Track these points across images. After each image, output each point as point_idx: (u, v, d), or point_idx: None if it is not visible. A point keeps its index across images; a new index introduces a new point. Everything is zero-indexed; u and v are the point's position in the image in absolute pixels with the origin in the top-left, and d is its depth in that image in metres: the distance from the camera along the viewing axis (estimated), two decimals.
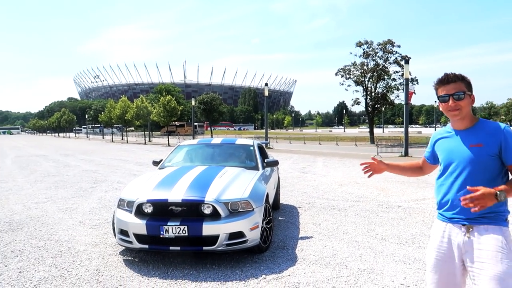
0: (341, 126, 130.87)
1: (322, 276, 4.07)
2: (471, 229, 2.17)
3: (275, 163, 6.39)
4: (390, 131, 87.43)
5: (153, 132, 70.71)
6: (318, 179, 11.75)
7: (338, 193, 9.23)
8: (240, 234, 4.35)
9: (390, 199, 8.48)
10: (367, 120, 49.58)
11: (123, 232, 4.49)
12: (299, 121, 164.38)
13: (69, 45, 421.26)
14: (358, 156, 20.76)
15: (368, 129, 43.92)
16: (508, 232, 2.15)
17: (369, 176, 2.82)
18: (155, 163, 6.47)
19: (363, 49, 34.78)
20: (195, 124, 62.89)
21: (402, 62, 30.94)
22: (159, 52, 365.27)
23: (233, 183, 4.81)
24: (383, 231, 5.85)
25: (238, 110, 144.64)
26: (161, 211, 4.43)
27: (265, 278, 4.03)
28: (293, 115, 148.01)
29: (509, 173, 2.21)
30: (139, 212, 4.46)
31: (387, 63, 34.36)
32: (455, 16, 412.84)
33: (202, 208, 4.37)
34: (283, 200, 8.35)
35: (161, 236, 4.24)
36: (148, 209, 4.45)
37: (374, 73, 34.37)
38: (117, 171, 14.52)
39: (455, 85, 2.21)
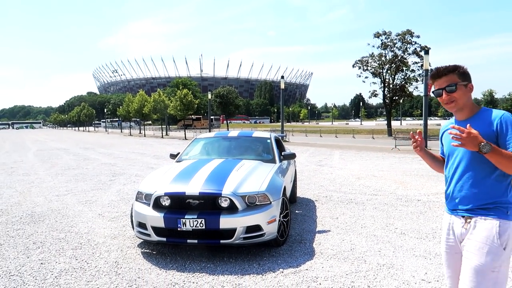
0: (358, 119, 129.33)
1: (341, 271, 4.02)
2: (469, 220, 2.17)
3: (292, 156, 6.33)
4: (408, 123, 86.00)
5: (170, 126, 71.30)
6: (335, 172, 11.64)
7: (356, 187, 9.12)
8: (257, 228, 4.32)
9: (409, 192, 8.34)
10: (384, 113, 48.80)
11: (141, 225, 4.52)
12: (315, 114, 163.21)
13: (88, 41, 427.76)
14: (375, 149, 20.48)
15: (385, 122, 43.27)
16: (507, 226, 2.07)
17: (415, 147, 2.56)
18: (173, 156, 6.50)
19: (381, 40, 34.23)
20: (211, 117, 63.11)
21: (422, 53, 30.32)
22: (176, 46, 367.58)
23: (250, 176, 4.79)
24: (402, 225, 5.74)
25: (254, 103, 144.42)
26: (178, 204, 4.44)
27: (282, 272, 4.00)
28: (309, 108, 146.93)
29: None
30: (157, 205, 4.49)
31: (406, 54, 33.73)
32: (475, 6, 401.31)
33: (219, 201, 4.36)
34: (299, 193, 8.30)
35: (178, 229, 4.25)
36: (166, 202, 4.47)
37: (393, 65, 33.80)
38: (135, 164, 14.69)
39: (446, 78, 2.21)
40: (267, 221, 4.38)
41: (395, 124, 56.73)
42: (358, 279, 3.81)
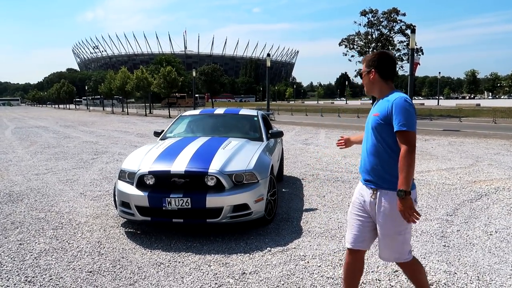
0: (343, 98, 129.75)
1: (328, 249, 3.99)
2: (376, 192, 2.47)
3: (279, 134, 6.23)
4: None
5: (154, 104, 70.17)
6: (321, 151, 11.63)
7: (342, 165, 9.12)
8: (244, 207, 4.24)
9: None
10: None
11: (125, 204, 4.39)
12: (300, 92, 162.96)
13: (67, 15, 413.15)
14: (361, 128, 20.56)
15: (370, 101, 43.48)
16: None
17: (341, 148, 3.20)
18: (157, 134, 6.31)
19: (368, 18, 33.96)
20: (196, 95, 62.26)
21: (408, 32, 30.24)
22: (158, 22, 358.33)
23: (237, 155, 4.67)
24: None
25: (239, 81, 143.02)
26: (163, 183, 4.31)
27: (270, 251, 3.95)
28: (294, 86, 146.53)
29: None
30: (141, 183, 4.35)
31: (391, 32, 33.62)
32: None
33: (206, 179, 4.24)
34: (286, 172, 8.25)
35: (163, 208, 4.14)
36: (150, 180, 4.34)
37: (379, 43, 33.69)
38: (118, 143, 14.40)
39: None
40: (254, 199, 4.30)
41: None
42: None
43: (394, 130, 2.33)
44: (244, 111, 6.80)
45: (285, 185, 7.06)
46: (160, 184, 4.32)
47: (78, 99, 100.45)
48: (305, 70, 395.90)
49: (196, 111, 6.89)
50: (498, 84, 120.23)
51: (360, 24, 34.63)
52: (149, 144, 5.53)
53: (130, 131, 20.22)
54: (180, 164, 4.30)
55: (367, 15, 33.92)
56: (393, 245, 2.49)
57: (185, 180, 4.26)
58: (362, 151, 2.60)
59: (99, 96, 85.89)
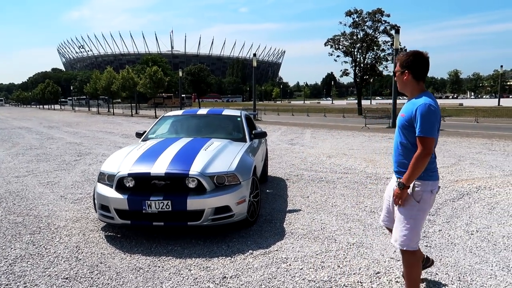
0: (329, 98, 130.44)
1: (311, 251, 3.96)
2: (399, 179, 2.71)
3: (263, 134, 6.18)
4: (378, 102, 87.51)
5: (140, 104, 69.46)
6: (306, 151, 11.63)
7: (327, 165, 9.14)
8: (226, 209, 4.19)
9: (379, 170, 8.42)
10: (355, 92, 49.32)
11: (104, 208, 4.29)
12: (287, 92, 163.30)
13: (52, 14, 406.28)
14: (346, 128, 20.69)
15: (356, 101, 43.80)
16: (419, 185, 2.64)
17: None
18: (139, 135, 6.21)
19: (353, 19, 34.20)
20: (182, 95, 61.84)
21: (392, 32, 30.56)
22: (145, 21, 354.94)
23: (219, 156, 4.61)
24: (372, 204, 5.77)
25: (226, 81, 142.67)
26: (143, 185, 4.23)
27: (252, 254, 3.91)
28: (281, 86, 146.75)
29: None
30: (120, 186, 4.26)
31: (376, 33, 33.91)
32: None
33: (187, 182, 4.18)
34: (271, 172, 8.22)
35: (143, 211, 4.06)
36: (130, 183, 4.25)
37: (364, 44, 33.95)
38: (102, 144, 14.19)
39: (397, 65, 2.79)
40: (236, 201, 4.25)
41: (365, 103, 57.60)
42: (328, 259, 3.77)
43: (416, 134, 2.56)
44: (227, 112, 6.75)
45: (269, 185, 7.03)
46: (140, 186, 4.23)
47: (63, 99, 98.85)
48: (292, 70, 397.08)
49: (179, 112, 6.81)
50: (480, 84, 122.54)
51: (345, 25, 34.88)
52: (130, 146, 5.43)
53: (115, 131, 19.96)
54: (161, 166, 4.22)
55: (352, 15, 34.17)
56: (404, 228, 2.68)
57: (166, 182, 4.19)
58: (393, 146, 2.85)
59: (84, 97, 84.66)
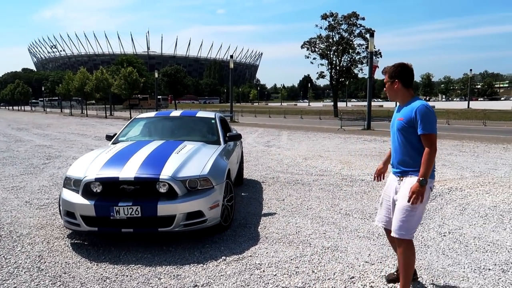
0: (306, 100, 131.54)
1: (285, 256, 3.88)
2: (402, 178, 2.99)
3: (237, 136, 6.08)
4: (354, 105, 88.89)
5: (115, 106, 68.12)
6: (283, 153, 11.61)
7: (303, 167, 9.12)
8: (198, 214, 4.07)
9: (354, 172, 8.46)
10: (331, 94, 49.88)
11: (70, 214, 4.08)
12: (264, 94, 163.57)
13: (22, 13, 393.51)
14: (322, 130, 20.85)
15: (332, 103, 44.28)
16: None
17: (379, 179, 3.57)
18: (109, 137, 5.99)
19: (329, 22, 34.54)
20: (159, 97, 60.98)
21: (367, 35, 31.04)
22: (120, 22, 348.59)
23: (192, 159, 4.48)
24: (347, 206, 5.76)
25: (203, 83, 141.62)
26: (111, 191, 4.05)
27: (225, 260, 3.79)
28: (258, 88, 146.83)
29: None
30: (87, 191, 4.06)
31: (351, 36, 34.37)
32: None
33: (157, 186, 4.03)
34: (246, 175, 8.13)
35: (111, 217, 3.88)
36: (97, 188, 4.06)
37: (339, 46, 34.34)
38: (73, 146, 13.75)
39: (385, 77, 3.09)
40: (209, 206, 4.13)
41: (341, 105, 58.30)
42: (303, 264, 3.70)
43: (418, 133, 2.82)
44: (201, 114, 6.61)
45: (245, 188, 6.93)
46: (108, 191, 4.05)
47: (34, 101, 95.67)
48: (269, 72, 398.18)
49: (151, 113, 6.61)
50: (451, 87, 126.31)
51: (321, 28, 35.17)
52: (99, 149, 5.22)
53: (88, 133, 19.42)
54: (130, 170, 4.06)
55: (327, 18, 34.48)
56: (405, 219, 2.88)
57: (135, 187, 4.02)
58: (391, 148, 3.14)
59: (57, 98, 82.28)
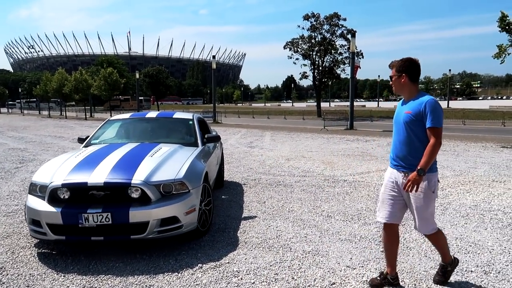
0: (289, 100, 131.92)
1: (264, 262, 3.73)
2: (407, 174, 2.98)
3: (216, 138, 5.89)
4: (337, 105, 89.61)
5: (96, 107, 66.92)
6: (265, 154, 11.47)
7: (285, 168, 9.00)
8: (173, 220, 3.88)
9: (336, 173, 8.38)
10: (315, 94, 49.98)
11: (35, 222, 3.84)
12: (248, 95, 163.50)
13: None
14: (306, 130, 20.82)
15: (315, 103, 44.44)
16: (432, 177, 2.95)
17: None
18: (81, 140, 5.73)
19: (311, 22, 34.65)
20: (141, 98, 60.05)
21: (349, 36, 31.23)
22: (100, 22, 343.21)
23: (167, 162, 4.28)
24: (329, 208, 5.65)
25: (186, 84, 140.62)
26: (80, 197, 3.82)
27: (201, 268, 3.62)
28: (242, 89, 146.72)
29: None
30: (54, 198, 3.83)
31: (333, 36, 34.56)
32: None
33: (129, 191, 3.82)
34: (228, 177, 7.96)
35: (79, 225, 3.66)
36: (65, 194, 3.83)
37: (321, 47, 34.49)
38: (49, 149, 13.31)
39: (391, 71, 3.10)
40: (185, 211, 3.95)
41: (324, 105, 58.65)
42: (282, 270, 3.55)
43: (427, 126, 2.87)
44: (178, 115, 6.38)
45: (225, 191, 6.76)
46: (76, 198, 3.82)
47: (11, 102, 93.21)
48: (253, 73, 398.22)
49: (127, 115, 6.36)
50: (431, 87, 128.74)
51: (303, 28, 35.28)
52: (69, 153, 4.97)
53: (66, 136, 18.90)
54: (100, 175, 3.84)
55: (310, 19, 34.62)
56: (424, 217, 3.02)
57: (106, 192, 3.81)
58: (393, 142, 3.12)
59: (35, 99, 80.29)
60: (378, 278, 3.22)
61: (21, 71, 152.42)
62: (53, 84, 44.74)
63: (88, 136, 5.75)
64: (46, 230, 3.75)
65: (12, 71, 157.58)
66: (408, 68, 2.98)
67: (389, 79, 3.16)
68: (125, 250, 4.03)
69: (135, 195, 3.82)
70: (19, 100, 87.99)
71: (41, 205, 3.80)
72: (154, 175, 3.94)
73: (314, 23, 34.49)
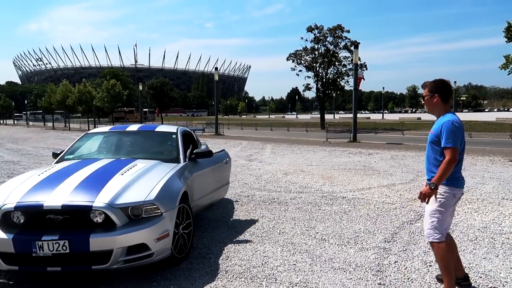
0: (294, 112, 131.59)
1: None
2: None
3: (207, 153, 5.24)
4: (341, 117, 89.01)
5: (101, 119, 67.05)
6: (264, 168, 11.02)
7: (282, 183, 8.54)
8: (142, 247, 3.43)
9: (335, 188, 7.91)
10: (319, 106, 49.63)
11: None
12: (253, 107, 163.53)
13: (7, 26, 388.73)
14: (308, 142, 20.36)
15: (319, 115, 44.03)
16: (445, 188, 3.12)
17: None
18: (55, 155, 5.33)
19: (314, 34, 34.44)
20: (145, 110, 60.10)
21: (352, 48, 30.94)
22: (107, 35, 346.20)
23: (138, 181, 3.84)
24: (324, 229, 5.17)
25: (191, 95, 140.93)
26: (36, 221, 3.40)
27: None
28: (246, 101, 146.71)
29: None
30: (7, 223, 3.40)
31: (337, 48, 34.30)
32: (402, 6, 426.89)
33: (92, 215, 3.38)
34: None
35: (33, 254, 3.22)
36: (20, 218, 3.41)
37: (325, 59, 34.21)
38: (42, 162, 12.97)
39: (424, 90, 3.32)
40: (155, 237, 3.50)
41: (328, 117, 58.19)
42: None
43: (441, 146, 3.09)
44: (162, 128, 5.89)
45: (214, 209, 6.31)
46: (32, 222, 3.40)
47: (17, 114, 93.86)
48: (258, 85, 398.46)
49: (106, 128, 5.93)
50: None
51: (307, 40, 35.06)
52: (35, 170, 4.57)
53: (64, 148, 18.53)
54: (58, 197, 3.41)
55: (313, 31, 34.41)
56: (428, 223, 3.18)
57: (64, 216, 3.38)
58: (425, 158, 3.35)
59: (41, 111, 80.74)
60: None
61: (29, 83, 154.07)
62: (57, 96, 44.81)
63: (63, 151, 5.34)
64: None
65: (20, 83, 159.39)
66: (440, 89, 3.18)
67: (421, 98, 3.39)
68: (88, 281, 3.58)
69: (98, 219, 3.39)
70: (25, 112, 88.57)
71: None
72: (121, 197, 3.50)
73: (318, 35, 34.28)
